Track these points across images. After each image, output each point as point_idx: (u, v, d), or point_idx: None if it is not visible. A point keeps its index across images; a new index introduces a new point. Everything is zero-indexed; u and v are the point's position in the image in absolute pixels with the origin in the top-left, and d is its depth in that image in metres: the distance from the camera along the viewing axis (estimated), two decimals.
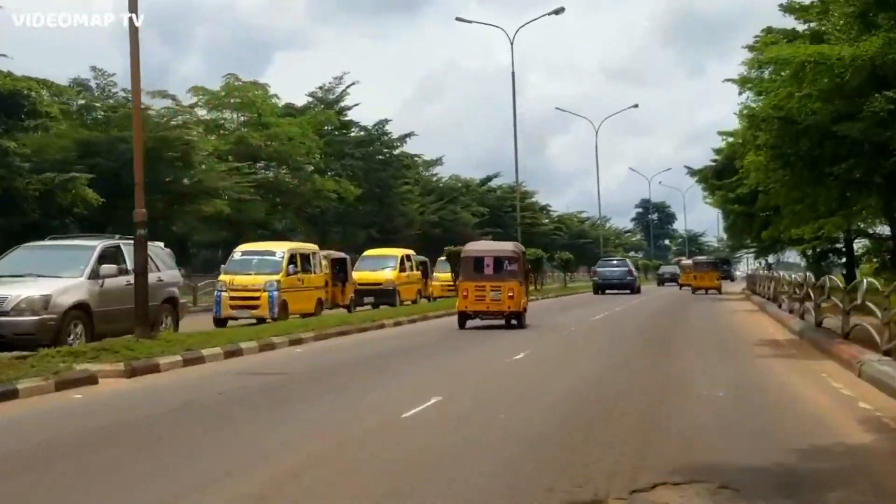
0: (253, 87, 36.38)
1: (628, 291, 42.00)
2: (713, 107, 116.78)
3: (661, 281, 62.16)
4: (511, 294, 18.47)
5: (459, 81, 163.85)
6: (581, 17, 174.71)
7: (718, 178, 33.53)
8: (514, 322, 18.79)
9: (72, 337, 12.21)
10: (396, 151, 46.88)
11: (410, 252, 27.84)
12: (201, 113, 36.25)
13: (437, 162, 59.09)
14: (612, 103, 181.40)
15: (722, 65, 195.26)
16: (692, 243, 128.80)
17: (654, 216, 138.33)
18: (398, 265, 26.13)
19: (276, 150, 34.60)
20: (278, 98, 39.74)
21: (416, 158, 48.75)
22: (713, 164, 35.09)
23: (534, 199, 79.29)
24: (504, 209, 70.10)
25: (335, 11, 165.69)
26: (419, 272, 28.12)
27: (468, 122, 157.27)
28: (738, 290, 49.51)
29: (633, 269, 47.50)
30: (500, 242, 24.45)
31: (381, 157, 45.58)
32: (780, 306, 23.46)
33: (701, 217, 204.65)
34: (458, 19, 49.51)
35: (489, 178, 69.04)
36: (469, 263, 19.25)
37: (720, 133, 22.58)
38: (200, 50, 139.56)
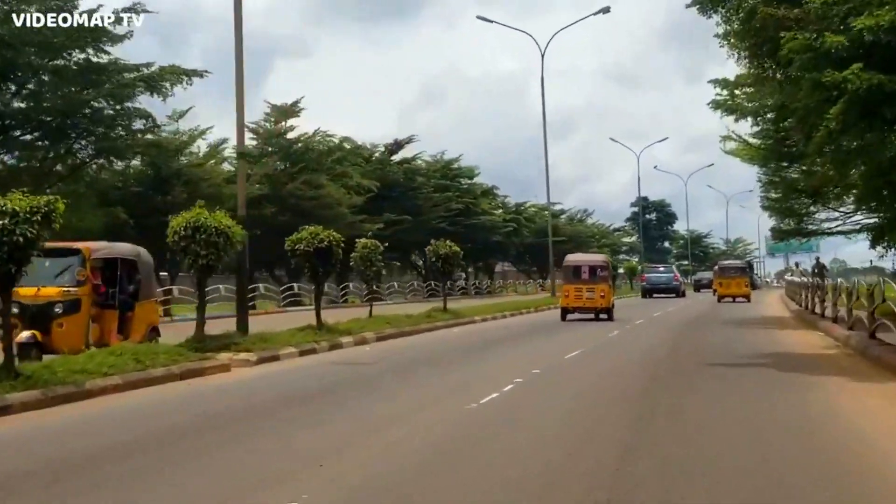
0: None
1: (674, 295, 44.88)
2: (711, 113, 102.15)
3: (698, 287, 60.73)
4: (602, 294, 23.32)
5: (459, 87, 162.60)
6: (583, 22, 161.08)
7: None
8: (602, 316, 23.35)
9: None
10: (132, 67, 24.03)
11: None
12: None
13: (294, 109, 36.56)
14: (611, 107, 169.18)
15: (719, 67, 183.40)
16: (695, 245, 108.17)
17: (653, 215, 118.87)
18: None
19: None
20: None
21: (196, 76, 25.87)
22: None
23: (475, 181, 56.86)
24: (421, 189, 47.83)
25: (334, 17, 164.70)
26: None
27: (467, 127, 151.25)
28: (777, 308, 30.57)
29: (679, 275, 52.08)
30: (594, 254, 31.74)
31: (95, 71, 22.95)
32: None
33: (703, 221, 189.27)
34: (479, 17, 43.46)
35: (399, 146, 46.69)
36: (569, 270, 24.33)
37: None
38: (199, 56, 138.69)
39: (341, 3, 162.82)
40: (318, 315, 15.35)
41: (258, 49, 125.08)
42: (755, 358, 12.80)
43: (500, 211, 60.61)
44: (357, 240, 20.40)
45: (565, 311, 23.55)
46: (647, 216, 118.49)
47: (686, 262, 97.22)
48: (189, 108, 30.70)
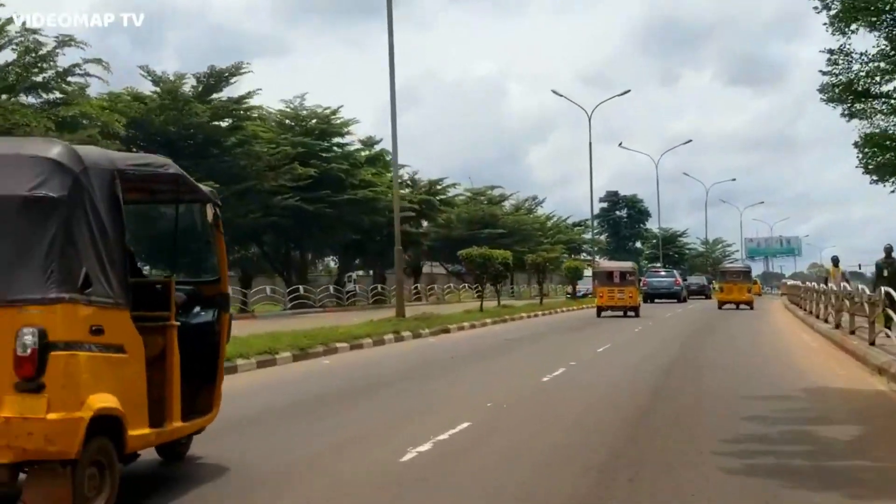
0: None
1: (675, 300, 45.01)
2: (688, 115, 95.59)
3: (689, 293, 55.83)
4: (631, 295, 28.80)
5: (435, 89, 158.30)
6: (556, 24, 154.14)
7: None
8: (630, 314, 28.49)
9: None
10: None
11: None
12: None
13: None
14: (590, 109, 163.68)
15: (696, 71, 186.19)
16: (669, 245, 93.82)
17: (624, 212, 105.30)
18: None
19: None
20: None
21: None
22: None
23: (380, 154, 41.45)
24: (250, 144, 32.26)
25: (309, 16, 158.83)
26: None
27: (445, 130, 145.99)
28: (807, 338, 18.65)
29: (680, 279, 50.73)
30: (622, 262, 36.81)
31: None
32: None
33: (679, 223, 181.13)
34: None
35: (219, 78, 31.02)
36: (603, 275, 30.10)
37: None
38: (173, 56, 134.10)
39: (316, 1, 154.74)
40: None
41: (232, 47, 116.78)
42: None
43: (409, 190, 45.14)
44: None
45: (600, 309, 29.09)
46: (618, 213, 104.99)
47: (658, 264, 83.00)
48: None
